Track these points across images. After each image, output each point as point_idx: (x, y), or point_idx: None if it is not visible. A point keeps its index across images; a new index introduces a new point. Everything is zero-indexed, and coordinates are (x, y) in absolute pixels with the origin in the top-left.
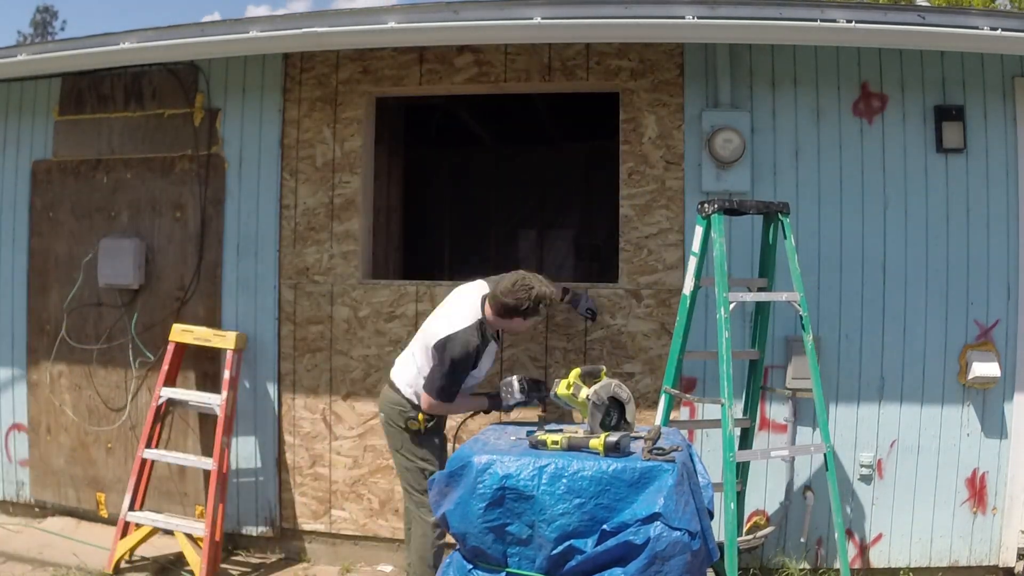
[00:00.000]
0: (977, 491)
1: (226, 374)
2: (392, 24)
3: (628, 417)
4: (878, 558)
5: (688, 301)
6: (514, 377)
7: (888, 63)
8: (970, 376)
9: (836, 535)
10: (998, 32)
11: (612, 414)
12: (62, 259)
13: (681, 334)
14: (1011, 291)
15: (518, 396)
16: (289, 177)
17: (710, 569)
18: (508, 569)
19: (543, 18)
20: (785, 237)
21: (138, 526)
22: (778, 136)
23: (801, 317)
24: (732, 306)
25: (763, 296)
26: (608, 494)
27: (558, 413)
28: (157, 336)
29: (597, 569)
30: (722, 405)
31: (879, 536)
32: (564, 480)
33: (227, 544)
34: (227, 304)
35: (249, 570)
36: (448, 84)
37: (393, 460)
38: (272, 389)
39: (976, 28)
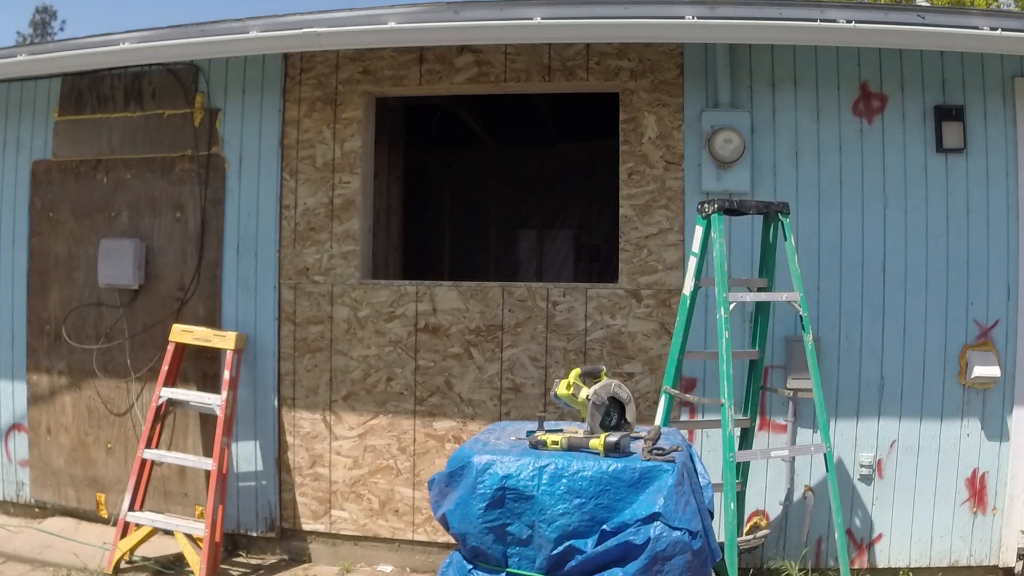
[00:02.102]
0: (977, 491)
1: (226, 374)
2: (392, 24)
3: (628, 417)
4: (878, 558)
5: (688, 301)
6: None
7: (888, 63)
8: (970, 376)
9: (836, 535)
10: (998, 32)
11: (612, 414)
12: (62, 259)
13: (681, 334)
14: (1011, 291)
15: None
16: (289, 177)
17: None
18: (508, 569)
19: (543, 18)
20: (785, 238)
21: (138, 526)
22: (778, 136)
23: (801, 317)
24: (732, 306)
25: (763, 296)
26: (608, 494)
27: (558, 413)
28: (157, 336)
29: (597, 569)
30: (722, 405)
31: (879, 536)
32: (564, 480)
33: (228, 544)
34: (227, 304)
35: (249, 571)
36: (448, 84)
37: None
38: (272, 389)
39: (976, 28)
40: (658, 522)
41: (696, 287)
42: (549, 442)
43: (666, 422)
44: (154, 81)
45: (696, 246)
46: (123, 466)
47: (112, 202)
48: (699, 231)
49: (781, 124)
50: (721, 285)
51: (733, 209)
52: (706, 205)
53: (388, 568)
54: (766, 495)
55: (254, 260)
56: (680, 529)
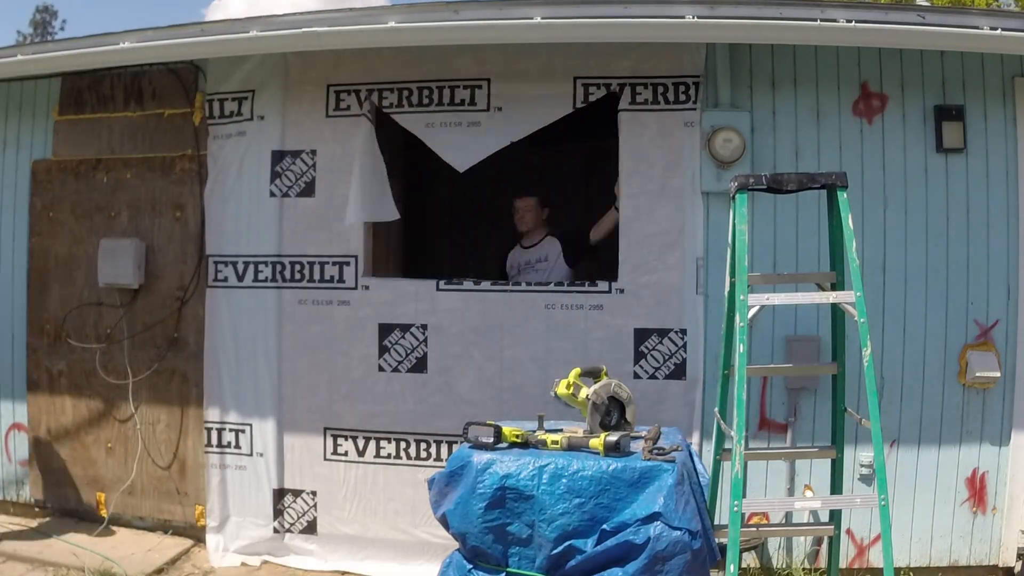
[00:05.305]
0: (977, 491)
1: None
2: (392, 24)
3: (628, 417)
4: (878, 558)
5: (727, 304)
6: None
7: (888, 63)
8: (970, 376)
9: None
10: (998, 32)
11: (612, 414)
12: (62, 259)
13: (724, 344)
14: (1011, 291)
15: None
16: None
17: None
18: (508, 569)
19: (543, 18)
20: (841, 218)
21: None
22: (778, 136)
23: (858, 324)
24: (753, 311)
25: (801, 298)
26: (608, 494)
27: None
28: (157, 336)
29: (597, 569)
30: (735, 438)
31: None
32: (564, 480)
33: None
34: None
35: None
36: None
37: None
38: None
39: (976, 28)
40: (658, 522)
41: (733, 285)
42: (549, 442)
43: (717, 452)
44: (154, 81)
45: (729, 236)
46: (123, 466)
47: (112, 202)
48: (732, 216)
49: (781, 124)
50: (740, 285)
51: (767, 187)
52: (731, 184)
53: None
54: (766, 494)
55: None
56: (680, 529)
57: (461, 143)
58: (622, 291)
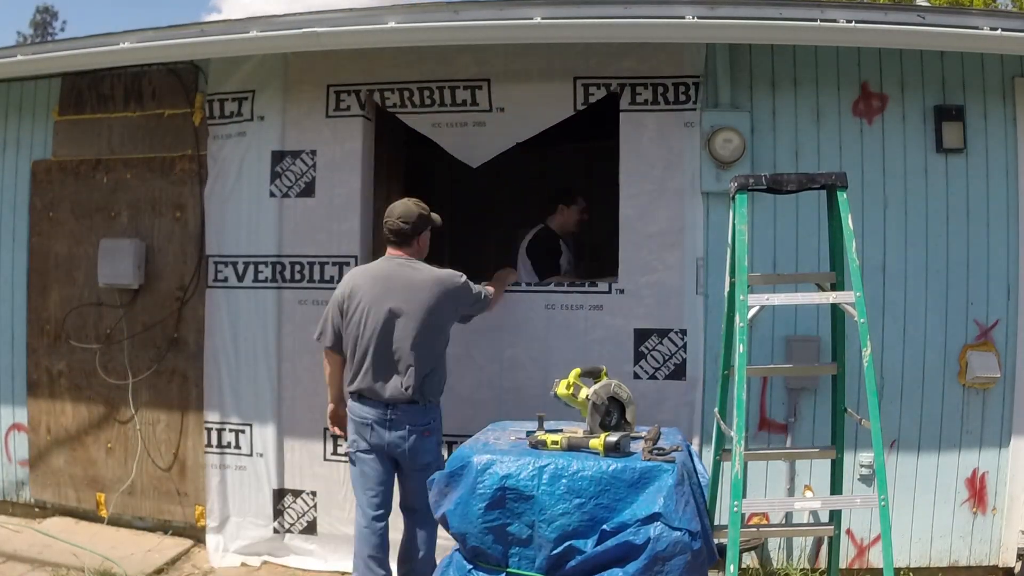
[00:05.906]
0: (977, 491)
1: None
2: (392, 24)
3: (628, 417)
4: (878, 558)
5: (727, 304)
6: None
7: (888, 63)
8: (970, 376)
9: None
10: (998, 32)
11: (612, 414)
12: (62, 259)
13: (724, 345)
14: (1011, 291)
15: None
16: None
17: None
18: (508, 569)
19: (543, 18)
20: (841, 218)
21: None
22: (778, 136)
23: (857, 324)
24: (753, 311)
25: (800, 298)
26: (608, 494)
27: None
28: (157, 336)
29: (597, 569)
30: (734, 439)
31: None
32: (564, 480)
33: None
34: None
35: None
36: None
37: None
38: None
39: (976, 28)
40: (658, 522)
41: (733, 285)
42: (549, 442)
43: (717, 452)
44: (154, 81)
45: (729, 236)
46: (123, 466)
47: (112, 202)
48: (732, 216)
49: (781, 124)
50: (740, 285)
51: (767, 187)
52: (731, 184)
53: None
54: (766, 494)
55: None
56: (680, 529)
57: (470, 142)
58: (622, 291)
